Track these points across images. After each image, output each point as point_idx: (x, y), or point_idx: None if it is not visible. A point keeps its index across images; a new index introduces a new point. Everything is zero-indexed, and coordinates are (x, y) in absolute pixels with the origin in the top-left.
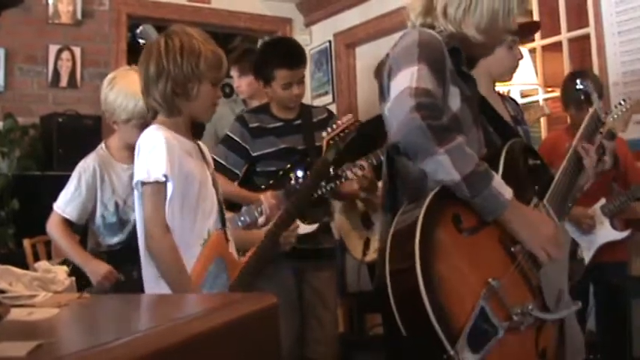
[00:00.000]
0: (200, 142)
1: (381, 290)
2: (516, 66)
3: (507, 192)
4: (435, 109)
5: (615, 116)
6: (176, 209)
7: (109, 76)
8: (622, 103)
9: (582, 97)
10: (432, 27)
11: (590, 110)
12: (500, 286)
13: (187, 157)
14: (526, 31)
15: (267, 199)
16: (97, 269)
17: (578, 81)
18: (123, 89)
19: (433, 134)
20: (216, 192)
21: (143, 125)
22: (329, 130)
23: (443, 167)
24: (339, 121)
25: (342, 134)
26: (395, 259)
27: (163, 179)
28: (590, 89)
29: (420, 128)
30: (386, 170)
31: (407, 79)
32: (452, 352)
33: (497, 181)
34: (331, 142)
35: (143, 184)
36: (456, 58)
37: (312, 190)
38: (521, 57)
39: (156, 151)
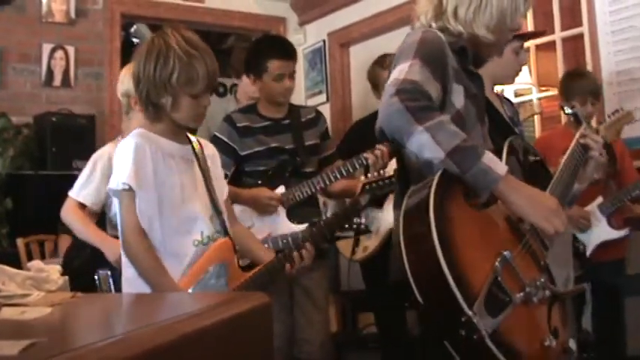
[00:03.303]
0: (202, 142)
1: (397, 283)
2: (520, 71)
3: (500, 168)
4: (415, 93)
5: (608, 125)
6: (154, 212)
7: (127, 66)
8: (615, 113)
9: (572, 120)
10: (444, 29)
11: (580, 129)
12: (512, 257)
13: (168, 160)
14: (532, 36)
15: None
16: (114, 247)
17: (565, 107)
18: None
19: (412, 114)
20: (210, 193)
21: None
22: (369, 175)
23: (426, 145)
24: (382, 170)
25: (381, 183)
26: (411, 229)
27: (127, 187)
28: (579, 112)
29: (399, 110)
30: (397, 169)
31: (399, 71)
32: (470, 313)
33: (489, 157)
34: (367, 187)
35: (114, 191)
36: (463, 56)
37: (335, 228)
38: (526, 63)
39: (123, 160)
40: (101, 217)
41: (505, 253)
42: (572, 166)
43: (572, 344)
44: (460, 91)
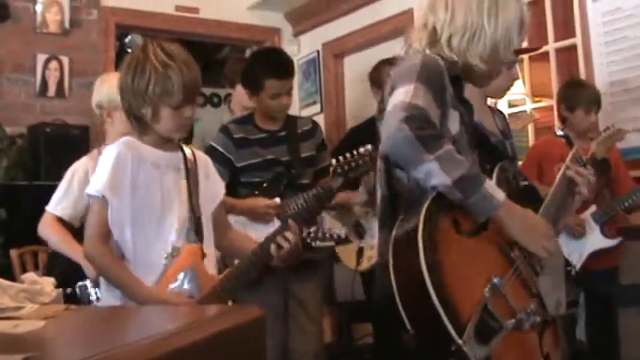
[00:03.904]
0: (195, 153)
1: (381, 301)
2: (512, 85)
3: (500, 194)
4: (423, 121)
5: (600, 141)
6: (127, 222)
7: (100, 77)
8: (606, 130)
9: (564, 142)
10: (439, 56)
11: (572, 150)
12: (502, 284)
13: (151, 170)
14: (526, 52)
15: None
16: None
17: (557, 130)
18: (116, 78)
19: (422, 143)
20: (192, 204)
21: None
22: (340, 158)
23: (434, 173)
24: (355, 151)
25: (353, 164)
26: (399, 257)
27: (100, 195)
28: (570, 134)
29: (409, 138)
30: (384, 188)
31: (402, 95)
32: (460, 342)
33: (490, 184)
34: (338, 169)
35: (88, 195)
36: (457, 85)
37: (310, 213)
38: (518, 77)
39: (102, 168)
40: (78, 231)
41: (495, 279)
42: (560, 193)
43: None
44: (456, 117)
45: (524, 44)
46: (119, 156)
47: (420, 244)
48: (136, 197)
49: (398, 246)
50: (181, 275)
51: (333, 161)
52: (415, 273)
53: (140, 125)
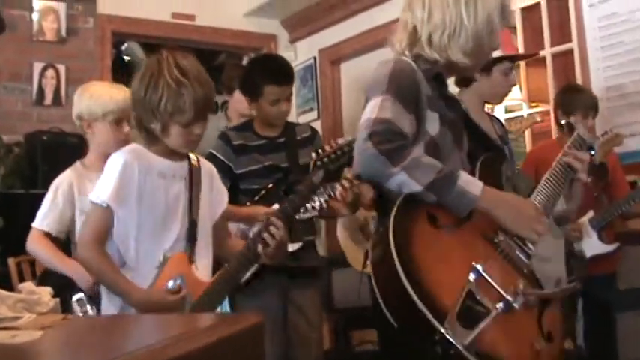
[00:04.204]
0: (200, 160)
1: (374, 305)
2: (509, 91)
3: (475, 188)
4: (387, 134)
5: (597, 147)
6: (131, 232)
7: (80, 87)
8: (604, 135)
9: (565, 130)
10: (419, 57)
11: (574, 134)
12: (485, 268)
13: (157, 180)
14: (522, 58)
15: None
16: (86, 275)
17: (559, 119)
18: (97, 90)
19: (387, 157)
20: (191, 214)
21: (120, 118)
22: (320, 151)
23: (404, 184)
24: (333, 142)
25: (332, 156)
26: (376, 256)
27: (105, 205)
28: (572, 121)
29: (373, 155)
30: (375, 198)
31: (370, 109)
32: (443, 329)
33: (464, 179)
34: (318, 163)
35: (91, 202)
36: (439, 83)
37: (293, 210)
38: (515, 83)
39: (109, 177)
40: (65, 243)
41: (477, 265)
42: (554, 180)
43: (569, 344)
44: (435, 119)
45: (520, 50)
46: (126, 164)
47: (392, 242)
48: (142, 207)
49: (375, 248)
50: (170, 283)
51: (313, 155)
52: (390, 269)
53: (149, 137)
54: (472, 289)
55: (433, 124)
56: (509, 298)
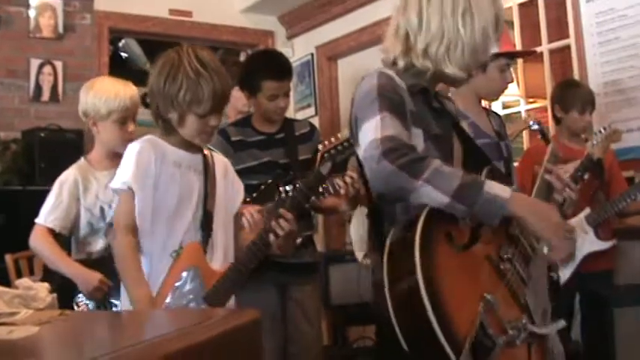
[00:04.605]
0: (215, 156)
1: (381, 317)
2: (505, 88)
3: (504, 191)
4: (401, 148)
5: (595, 142)
6: (147, 216)
7: (87, 83)
8: (602, 130)
9: (540, 137)
10: (409, 67)
11: (549, 148)
12: (495, 300)
13: (172, 169)
14: (520, 56)
15: (249, 212)
16: (88, 279)
17: (531, 122)
18: (100, 89)
19: (407, 172)
20: (205, 206)
21: (125, 119)
22: (325, 142)
23: (429, 196)
24: (338, 134)
25: (339, 147)
26: (395, 273)
27: (125, 187)
28: (544, 129)
29: (393, 172)
30: (368, 208)
31: (372, 130)
32: None
33: (489, 184)
34: (326, 154)
35: (114, 190)
36: (426, 96)
37: (301, 202)
38: (512, 80)
39: (126, 160)
40: (66, 240)
41: (488, 297)
42: (541, 197)
43: None
44: (419, 135)
45: (518, 46)
46: (142, 151)
47: (418, 261)
48: (157, 192)
49: (394, 264)
50: (184, 274)
51: (320, 147)
52: (411, 290)
53: (165, 126)
54: (483, 319)
55: (417, 140)
56: (512, 333)
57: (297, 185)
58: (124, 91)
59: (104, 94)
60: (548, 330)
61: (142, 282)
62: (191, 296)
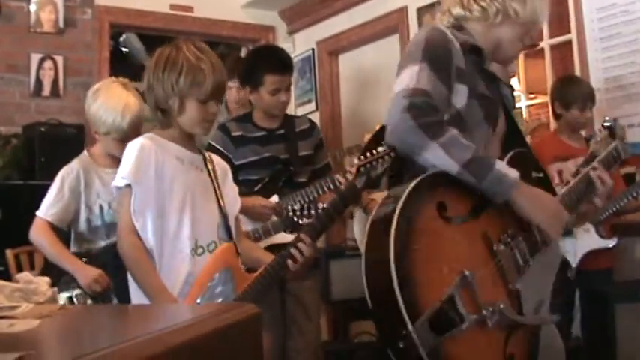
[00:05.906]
0: (214, 158)
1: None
2: (508, 81)
3: (513, 172)
4: (426, 107)
5: (598, 139)
6: (148, 212)
7: (94, 87)
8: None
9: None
10: (461, 28)
11: (613, 144)
12: (474, 278)
13: (176, 162)
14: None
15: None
16: (87, 273)
17: (606, 119)
18: (104, 103)
19: (424, 131)
20: (219, 202)
21: (123, 139)
22: (362, 157)
23: (440, 159)
24: (374, 150)
25: (375, 163)
26: (372, 237)
27: (123, 184)
28: (617, 125)
29: (412, 127)
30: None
31: (407, 78)
32: (411, 329)
33: (501, 164)
34: (362, 169)
35: (116, 188)
36: (477, 56)
37: (334, 214)
38: (515, 74)
39: (127, 158)
40: (66, 234)
41: (467, 273)
42: (579, 188)
43: None
44: (463, 91)
45: None
46: (143, 146)
47: (394, 229)
48: (161, 187)
49: (374, 226)
50: (217, 275)
51: (355, 160)
52: (382, 254)
53: (165, 117)
54: (455, 294)
55: (461, 97)
56: (485, 313)
57: (324, 206)
58: (131, 110)
59: (104, 112)
60: (531, 321)
61: (161, 288)
62: (221, 299)
